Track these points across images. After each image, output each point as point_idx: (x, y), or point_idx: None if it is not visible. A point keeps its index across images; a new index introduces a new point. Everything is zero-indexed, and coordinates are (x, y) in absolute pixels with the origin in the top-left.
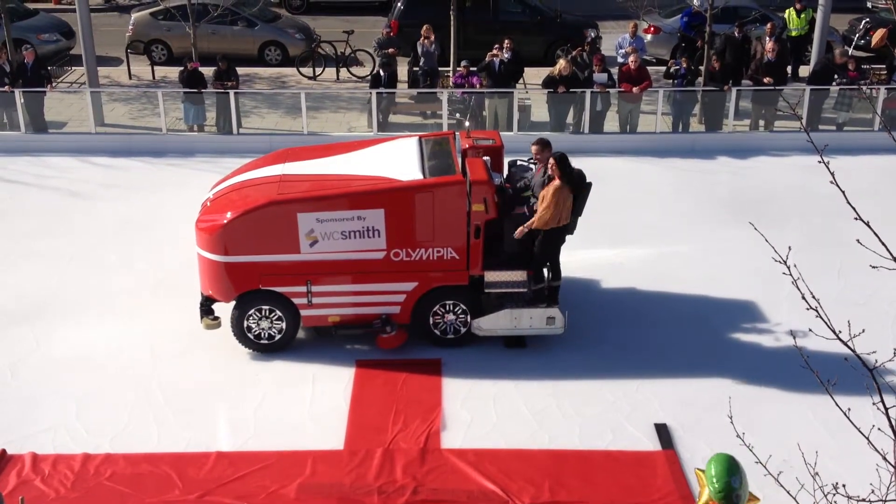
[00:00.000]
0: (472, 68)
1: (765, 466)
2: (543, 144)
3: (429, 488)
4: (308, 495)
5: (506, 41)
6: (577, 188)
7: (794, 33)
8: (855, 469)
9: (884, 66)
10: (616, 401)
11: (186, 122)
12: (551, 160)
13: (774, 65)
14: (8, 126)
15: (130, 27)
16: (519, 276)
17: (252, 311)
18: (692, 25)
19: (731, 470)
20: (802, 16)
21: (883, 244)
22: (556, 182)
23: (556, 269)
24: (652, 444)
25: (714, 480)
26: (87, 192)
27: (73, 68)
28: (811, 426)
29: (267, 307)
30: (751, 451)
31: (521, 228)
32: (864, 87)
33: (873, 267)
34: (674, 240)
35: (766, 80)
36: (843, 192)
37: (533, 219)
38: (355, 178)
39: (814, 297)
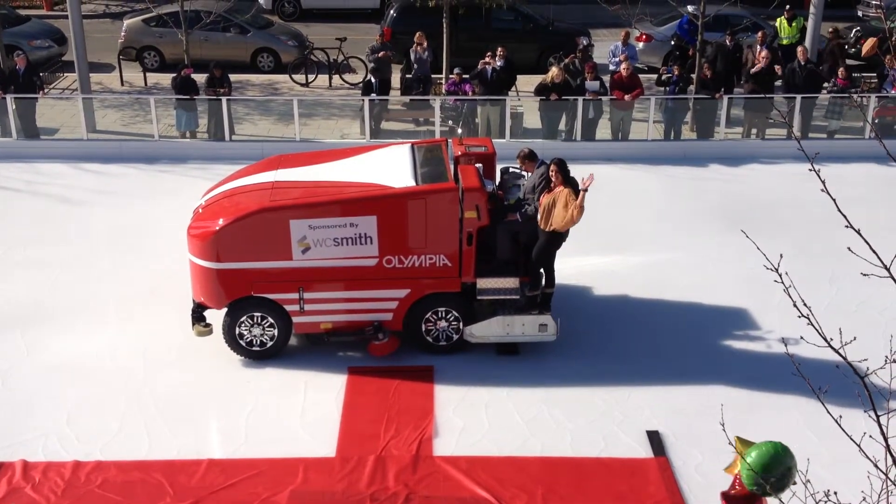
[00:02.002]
0: (464, 76)
1: (757, 474)
2: (525, 156)
3: (421, 495)
4: (300, 503)
5: (499, 49)
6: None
7: (785, 42)
8: (846, 476)
9: (874, 74)
10: (608, 408)
11: (178, 129)
12: (552, 166)
13: (763, 73)
14: (0, 132)
15: (123, 34)
16: (511, 282)
17: (244, 318)
18: (691, 32)
19: (769, 467)
20: (793, 24)
21: (874, 252)
22: (566, 189)
23: (550, 276)
24: (644, 451)
25: (749, 471)
26: (78, 199)
27: (65, 75)
28: (803, 433)
29: (259, 314)
30: (743, 458)
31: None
32: (855, 96)
33: (864, 275)
34: (665, 247)
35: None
36: (835, 200)
37: (559, 223)
38: (348, 184)
39: (805, 304)
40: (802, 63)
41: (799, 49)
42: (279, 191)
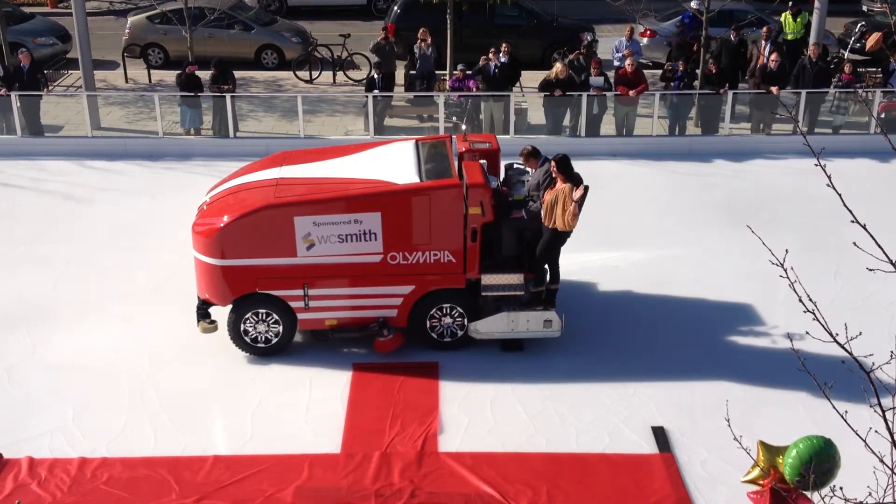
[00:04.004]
0: (468, 72)
1: (762, 469)
2: (528, 154)
3: (426, 492)
4: (305, 499)
5: (503, 45)
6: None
7: (790, 37)
8: (852, 472)
9: (879, 69)
10: (613, 404)
11: (183, 126)
12: (553, 164)
13: (776, 73)
14: (4, 130)
15: (127, 31)
16: (516, 279)
17: (249, 315)
18: (692, 27)
19: (819, 458)
20: (798, 19)
21: (879, 247)
22: (566, 185)
23: (555, 272)
24: (649, 447)
25: (788, 468)
26: (83, 196)
27: (70, 72)
28: (808, 429)
29: (264, 311)
30: (748, 453)
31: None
32: (860, 91)
33: (870, 270)
34: (670, 243)
35: (773, 90)
36: (840, 195)
37: (561, 222)
38: (352, 181)
39: (811, 299)
40: (813, 60)
41: (811, 46)
42: (283, 187)
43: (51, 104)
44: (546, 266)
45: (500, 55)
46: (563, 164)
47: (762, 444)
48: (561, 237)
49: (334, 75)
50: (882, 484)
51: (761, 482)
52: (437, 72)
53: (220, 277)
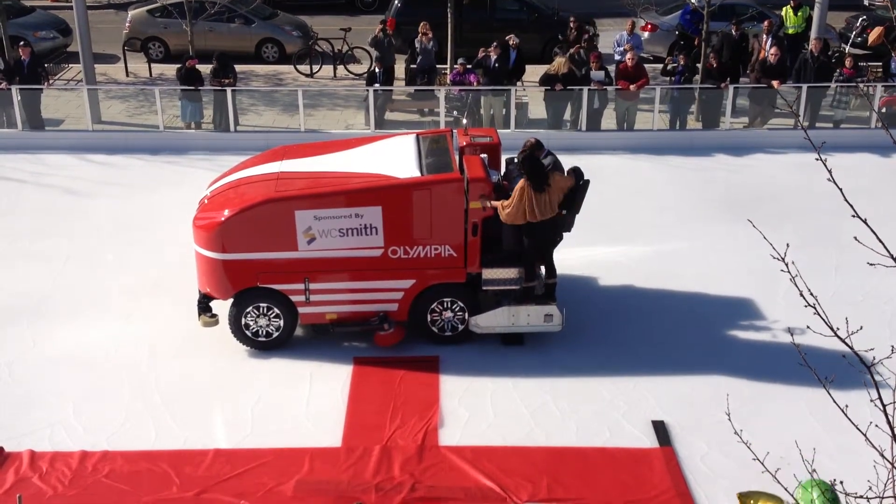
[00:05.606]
0: (468, 66)
1: (762, 463)
2: (531, 147)
3: (426, 485)
4: (305, 492)
5: (512, 40)
6: (540, 185)
7: (791, 31)
8: (852, 466)
9: (880, 63)
10: (613, 398)
11: (183, 120)
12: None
13: (776, 67)
14: (5, 123)
15: (127, 24)
16: (516, 273)
17: (250, 309)
18: (693, 21)
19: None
20: (799, 13)
21: (880, 241)
22: (522, 180)
23: (550, 267)
24: (649, 441)
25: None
26: (83, 190)
27: (70, 66)
28: (808, 423)
29: (265, 305)
30: (748, 447)
31: (485, 200)
32: (861, 85)
33: (870, 264)
34: (671, 237)
35: (774, 83)
36: (841, 190)
37: (499, 202)
38: (353, 175)
39: (812, 294)
40: (815, 54)
41: (812, 40)
42: (284, 181)
43: (51, 98)
44: (536, 259)
45: (510, 48)
46: (524, 164)
47: (739, 496)
48: (540, 231)
49: (335, 69)
50: (882, 478)
51: None
52: (437, 66)
53: (221, 271)
